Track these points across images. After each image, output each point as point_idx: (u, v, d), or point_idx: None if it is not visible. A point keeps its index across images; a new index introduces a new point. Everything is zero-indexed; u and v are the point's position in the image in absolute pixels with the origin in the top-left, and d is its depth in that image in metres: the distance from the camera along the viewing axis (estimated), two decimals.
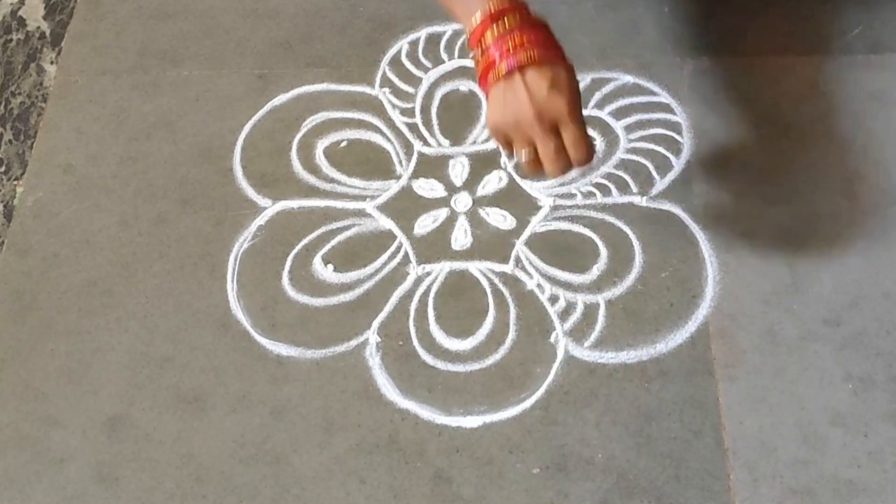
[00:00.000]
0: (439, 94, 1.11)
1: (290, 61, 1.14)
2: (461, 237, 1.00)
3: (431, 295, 0.96)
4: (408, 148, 1.07)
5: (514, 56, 0.82)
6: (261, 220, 1.02)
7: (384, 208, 1.02)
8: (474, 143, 1.06)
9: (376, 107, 1.09)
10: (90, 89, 1.14)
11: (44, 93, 1.15)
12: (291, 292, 0.97)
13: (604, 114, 1.07)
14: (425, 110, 1.10)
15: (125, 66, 1.16)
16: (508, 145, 0.86)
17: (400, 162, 1.05)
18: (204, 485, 0.87)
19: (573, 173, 0.86)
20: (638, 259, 0.97)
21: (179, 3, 1.21)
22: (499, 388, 0.90)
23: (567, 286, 0.96)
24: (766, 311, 0.93)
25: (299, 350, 0.94)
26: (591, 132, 1.04)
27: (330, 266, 0.99)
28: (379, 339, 0.94)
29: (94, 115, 1.12)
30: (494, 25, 0.83)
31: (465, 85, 1.11)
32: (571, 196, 1.01)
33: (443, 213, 1.02)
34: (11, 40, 1.21)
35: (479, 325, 0.94)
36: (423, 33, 1.15)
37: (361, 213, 1.02)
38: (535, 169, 0.85)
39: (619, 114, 1.07)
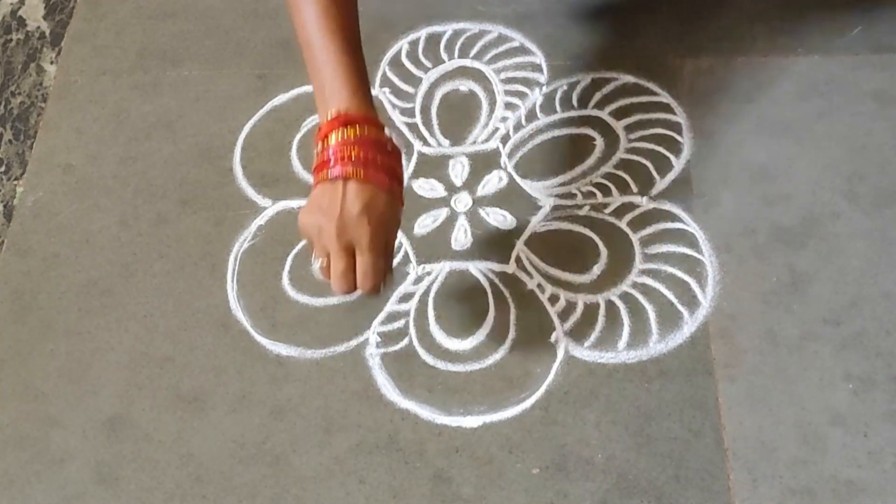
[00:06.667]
0: (439, 93, 1.11)
1: (290, 61, 1.14)
2: (461, 237, 1.00)
3: (431, 295, 0.96)
4: (408, 148, 1.07)
5: (344, 166, 0.82)
6: (261, 220, 1.02)
7: None
8: (474, 143, 1.06)
9: (376, 107, 1.09)
10: (90, 89, 1.14)
11: (44, 93, 1.15)
12: (291, 292, 0.97)
13: (604, 114, 1.07)
14: (425, 110, 1.10)
15: (125, 66, 1.16)
16: (311, 244, 0.85)
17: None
18: (204, 485, 0.87)
19: (355, 295, 0.86)
20: (638, 259, 0.97)
21: (179, 3, 1.21)
22: (499, 388, 0.90)
23: (567, 286, 0.96)
24: (766, 311, 0.93)
25: (299, 350, 0.94)
26: (590, 132, 1.05)
27: None
28: (379, 339, 0.94)
29: (94, 115, 1.12)
30: (343, 129, 0.83)
31: (465, 85, 1.11)
32: (572, 196, 1.01)
33: (443, 213, 1.02)
34: (11, 40, 1.21)
35: (479, 325, 0.94)
36: (423, 33, 1.15)
37: None
38: (326, 277, 0.85)
39: (619, 114, 1.07)
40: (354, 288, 0.84)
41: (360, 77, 0.87)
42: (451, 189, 1.03)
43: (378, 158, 0.84)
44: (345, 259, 0.82)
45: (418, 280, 0.97)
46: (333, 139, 0.83)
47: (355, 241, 0.82)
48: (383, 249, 0.84)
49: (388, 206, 0.84)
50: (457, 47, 1.14)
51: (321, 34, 0.86)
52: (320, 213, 0.82)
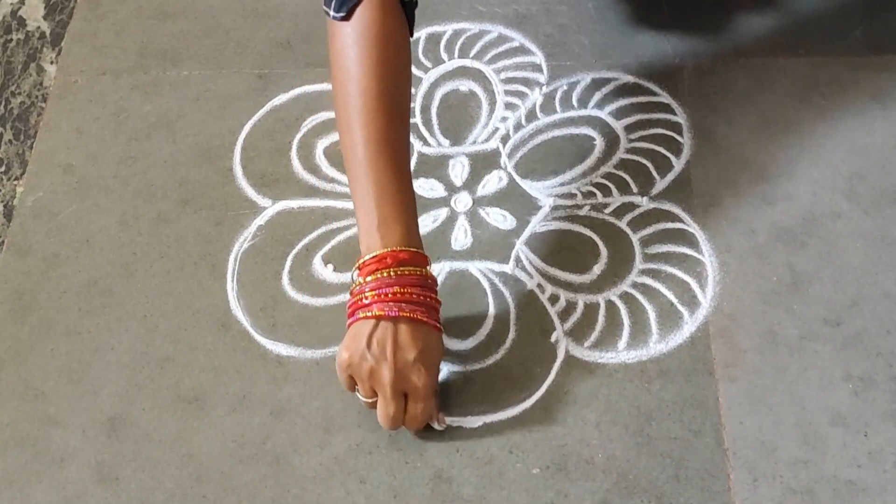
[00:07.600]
0: (439, 93, 1.11)
1: (290, 61, 1.14)
2: (461, 237, 1.00)
3: None
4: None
5: (397, 305, 0.81)
6: (261, 220, 1.02)
7: None
8: (474, 143, 1.06)
9: None
10: (90, 89, 1.14)
11: (44, 93, 1.15)
12: (291, 292, 0.97)
13: (604, 114, 1.06)
14: (425, 110, 1.10)
15: (125, 66, 1.16)
16: (350, 379, 0.85)
17: None
18: (204, 485, 0.87)
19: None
20: (637, 259, 0.97)
21: (179, 3, 1.21)
22: (499, 388, 0.90)
23: (567, 286, 0.96)
24: (766, 311, 0.93)
25: (299, 350, 0.94)
26: (590, 132, 1.05)
27: (330, 266, 0.99)
28: None
29: (94, 115, 1.12)
30: (393, 269, 0.82)
31: (465, 85, 1.11)
32: (571, 196, 1.01)
33: (443, 213, 1.02)
34: (11, 40, 1.21)
35: (479, 325, 0.94)
36: (423, 33, 1.15)
37: None
38: (371, 409, 0.85)
39: (619, 114, 1.07)
40: (401, 426, 0.85)
41: (411, 212, 0.85)
42: (451, 189, 1.03)
43: (424, 296, 0.83)
44: (396, 404, 0.83)
45: None
46: (381, 276, 0.82)
47: (410, 389, 0.82)
48: (434, 392, 0.85)
49: (438, 344, 0.85)
50: (457, 47, 1.14)
51: (373, 163, 0.83)
52: (369, 354, 0.81)
